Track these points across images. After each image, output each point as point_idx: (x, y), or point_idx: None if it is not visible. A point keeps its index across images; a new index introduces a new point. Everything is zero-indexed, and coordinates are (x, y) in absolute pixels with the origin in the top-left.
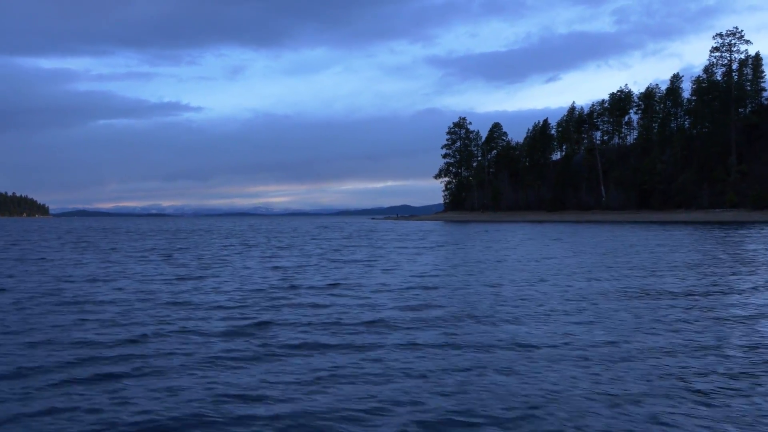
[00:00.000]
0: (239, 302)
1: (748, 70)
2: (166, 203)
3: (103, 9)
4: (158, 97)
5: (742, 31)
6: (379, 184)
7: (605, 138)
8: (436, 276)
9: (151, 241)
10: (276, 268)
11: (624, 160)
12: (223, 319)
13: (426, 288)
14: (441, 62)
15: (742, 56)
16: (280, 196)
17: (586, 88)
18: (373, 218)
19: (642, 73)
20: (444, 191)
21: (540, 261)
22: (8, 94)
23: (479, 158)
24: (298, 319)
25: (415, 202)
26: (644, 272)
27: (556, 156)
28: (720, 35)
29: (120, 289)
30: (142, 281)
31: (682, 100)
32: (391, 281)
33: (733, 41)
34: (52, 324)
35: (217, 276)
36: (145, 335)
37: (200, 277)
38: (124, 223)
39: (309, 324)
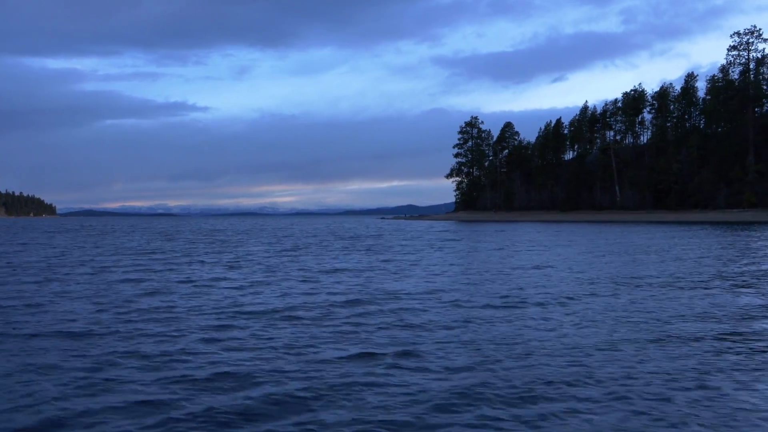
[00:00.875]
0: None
1: (766, 69)
2: (173, 203)
3: (110, 9)
4: (165, 97)
5: (760, 29)
6: (384, 184)
7: (617, 138)
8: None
9: (256, 241)
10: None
11: (638, 159)
12: None
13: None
14: (447, 62)
15: (759, 55)
16: (286, 195)
17: (592, 88)
18: (382, 218)
19: (649, 73)
20: (455, 191)
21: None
22: (16, 94)
23: (491, 158)
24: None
25: (421, 202)
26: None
27: (568, 156)
28: (738, 34)
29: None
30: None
31: (697, 100)
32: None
33: (750, 40)
34: None
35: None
36: None
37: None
38: (150, 222)
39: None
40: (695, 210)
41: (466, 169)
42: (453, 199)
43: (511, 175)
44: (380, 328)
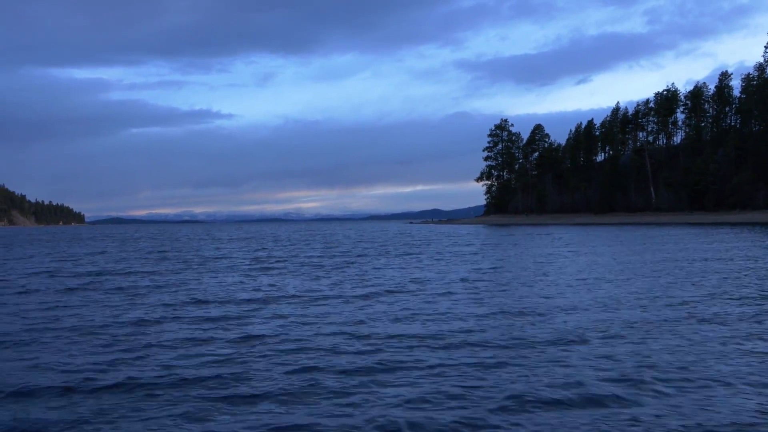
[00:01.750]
0: None
1: None
2: (198, 210)
3: (135, 19)
4: (189, 105)
5: None
6: (408, 189)
7: (650, 138)
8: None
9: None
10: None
11: (672, 160)
12: None
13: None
14: (470, 66)
15: None
16: (310, 201)
17: (617, 89)
18: (410, 222)
19: (675, 73)
20: (486, 194)
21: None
22: (43, 104)
23: (521, 161)
24: None
25: (445, 206)
26: None
27: (599, 158)
28: None
29: None
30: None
31: (733, 99)
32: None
33: None
34: None
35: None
36: None
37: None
38: (186, 230)
39: None
40: (734, 211)
41: (496, 173)
42: (477, 203)
43: (542, 177)
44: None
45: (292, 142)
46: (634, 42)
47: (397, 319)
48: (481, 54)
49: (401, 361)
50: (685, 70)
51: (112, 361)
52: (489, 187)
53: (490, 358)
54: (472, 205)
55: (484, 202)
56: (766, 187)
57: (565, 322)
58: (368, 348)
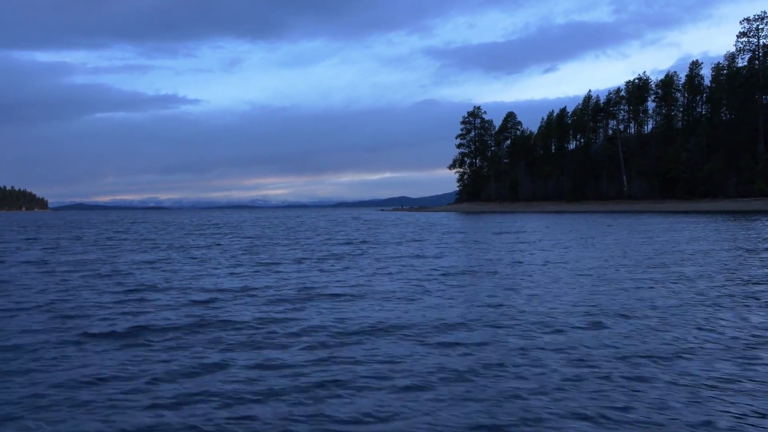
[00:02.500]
0: None
1: None
2: (164, 196)
3: (99, 2)
4: (155, 90)
5: None
6: (376, 176)
7: (620, 127)
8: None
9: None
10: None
11: (644, 148)
12: None
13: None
14: (439, 53)
15: None
16: (277, 188)
17: (584, 78)
18: (382, 209)
19: (640, 62)
20: (458, 182)
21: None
22: (5, 87)
23: (493, 148)
24: None
25: (413, 193)
26: None
27: (572, 146)
28: (747, 20)
29: None
30: None
31: (704, 88)
32: None
33: (761, 26)
34: None
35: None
36: None
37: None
38: (166, 216)
39: None
40: (705, 199)
41: (468, 160)
42: (445, 191)
43: (515, 165)
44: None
45: (260, 129)
46: (601, 31)
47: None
48: (449, 41)
49: None
50: (650, 60)
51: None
52: (461, 175)
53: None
54: (439, 192)
55: (453, 190)
56: (736, 176)
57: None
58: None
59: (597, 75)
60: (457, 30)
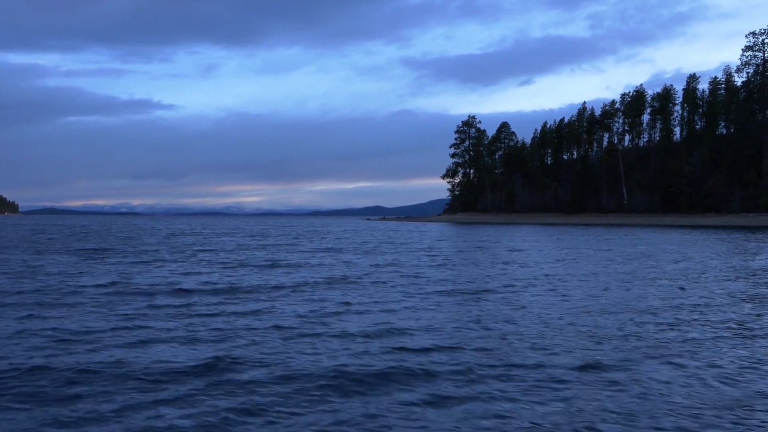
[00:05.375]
0: None
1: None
2: (137, 202)
3: (73, 3)
4: (129, 94)
5: None
6: (351, 185)
7: (614, 140)
8: None
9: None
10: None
11: (643, 161)
12: None
13: None
14: (416, 63)
15: None
16: (252, 195)
17: (559, 91)
18: (368, 219)
19: (615, 77)
20: (451, 191)
21: None
22: None
23: (486, 158)
24: None
25: (388, 203)
26: None
27: (566, 157)
28: (753, 33)
29: None
30: None
31: (704, 102)
32: None
33: (766, 40)
34: None
35: None
36: None
37: None
38: (171, 222)
39: None
40: (708, 214)
41: (462, 170)
42: (420, 201)
43: (512, 176)
44: None
45: (235, 135)
46: (577, 46)
47: None
48: (426, 52)
49: None
50: (624, 75)
51: None
52: (454, 185)
53: None
54: (414, 202)
55: (429, 200)
56: (741, 191)
57: None
58: None
59: (572, 89)
60: (435, 41)
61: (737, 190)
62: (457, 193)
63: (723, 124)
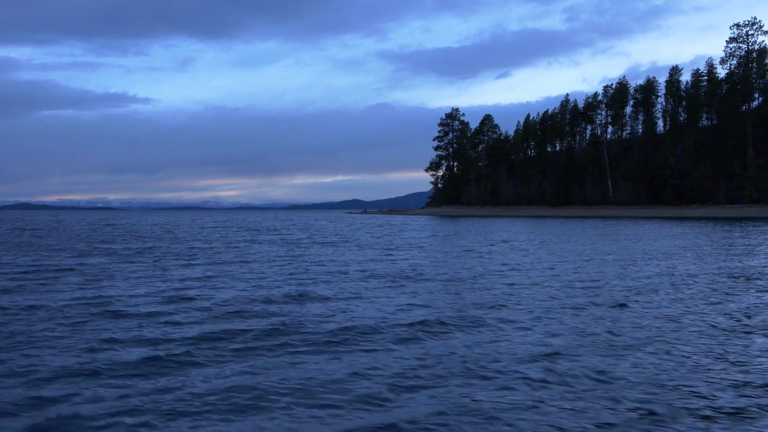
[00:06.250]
0: None
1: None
2: (113, 197)
3: None
4: (104, 88)
5: (760, 21)
6: (329, 179)
7: (597, 132)
8: None
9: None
10: None
11: (626, 153)
12: None
13: None
14: (393, 57)
15: (758, 47)
16: (229, 189)
17: (536, 84)
18: (350, 212)
19: (591, 70)
20: (435, 184)
21: None
22: None
23: (469, 151)
24: None
25: (365, 196)
26: None
27: (550, 149)
28: (737, 25)
29: None
30: None
31: (687, 94)
32: None
33: (750, 31)
34: None
35: None
36: None
37: None
38: (151, 217)
39: None
40: (694, 205)
41: (446, 163)
42: (398, 194)
43: (496, 169)
44: None
45: (212, 129)
46: (554, 39)
47: None
48: (404, 45)
49: None
50: (600, 68)
51: None
52: (437, 178)
53: None
54: (392, 196)
55: (406, 193)
56: (726, 182)
57: None
58: None
59: (549, 82)
60: (412, 34)
61: (722, 182)
62: (440, 186)
63: (705, 116)
